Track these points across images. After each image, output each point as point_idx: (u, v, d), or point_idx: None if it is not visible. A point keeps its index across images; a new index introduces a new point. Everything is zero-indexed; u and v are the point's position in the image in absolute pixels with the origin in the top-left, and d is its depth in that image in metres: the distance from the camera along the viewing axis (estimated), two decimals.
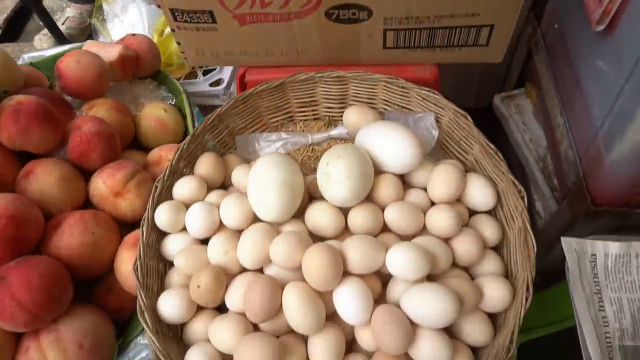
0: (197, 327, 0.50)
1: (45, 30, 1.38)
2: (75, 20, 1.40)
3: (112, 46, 0.80)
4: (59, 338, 0.55)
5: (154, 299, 0.51)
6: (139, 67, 0.84)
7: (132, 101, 0.81)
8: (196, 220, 0.53)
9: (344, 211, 0.52)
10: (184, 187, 0.57)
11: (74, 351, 0.55)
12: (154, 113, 0.78)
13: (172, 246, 0.55)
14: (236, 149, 0.66)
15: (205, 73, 1.00)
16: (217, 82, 0.98)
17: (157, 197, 0.55)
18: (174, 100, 0.85)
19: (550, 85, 0.70)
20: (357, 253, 0.46)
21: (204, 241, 0.55)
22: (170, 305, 0.49)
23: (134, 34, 0.88)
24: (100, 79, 0.73)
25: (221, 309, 0.52)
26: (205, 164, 0.59)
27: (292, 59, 0.66)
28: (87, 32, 1.45)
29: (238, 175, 0.59)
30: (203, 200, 0.57)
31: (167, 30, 1.01)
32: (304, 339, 0.47)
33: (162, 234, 0.57)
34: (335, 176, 0.49)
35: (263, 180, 0.51)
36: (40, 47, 1.37)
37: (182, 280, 0.53)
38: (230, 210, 0.53)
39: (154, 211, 0.55)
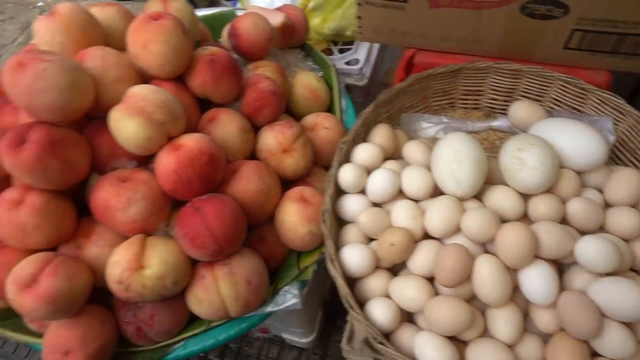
0: (376, 283, 0.53)
1: None
2: None
3: (276, 13, 0.85)
4: (232, 272, 0.59)
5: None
6: (292, 37, 0.88)
7: (285, 68, 0.85)
8: (380, 184, 0.56)
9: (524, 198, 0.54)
10: (365, 152, 0.60)
11: (242, 286, 0.59)
12: (307, 81, 0.82)
13: (350, 205, 0.58)
14: (400, 125, 0.69)
15: (341, 52, 1.03)
16: (350, 62, 1.01)
17: (343, 157, 0.59)
18: (322, 72, 0.89)
19: None
20: (549, 237, 0.48)
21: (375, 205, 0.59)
22: (354, 259, 0.53)
23: (283, 6, 0.92)
24: (269, 43, 0.78)
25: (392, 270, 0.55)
26: (381, 134, 0.63)
27: (466, 47, 0.68)
28: None
29: (411, 149, 0.62)
30: (380, 167, 0.60)
31: (311, 4, 1.05)
32: (482, 310, 0.50)
33: (339, 193, 0.60)
34: (531, 162, 0.52)
35: (456, 156, 0.53)
36: None
37: (360, 238, 0.56)
38: (414, 181, 0.56)
39: (337, 170, 0.58)
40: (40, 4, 1.93)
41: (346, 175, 0.58)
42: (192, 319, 0.65)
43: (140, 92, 0.56)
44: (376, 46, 1.07)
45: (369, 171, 0.59)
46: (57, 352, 0.56)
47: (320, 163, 0.75)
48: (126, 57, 0.63)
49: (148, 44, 0.60)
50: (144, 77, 0.64)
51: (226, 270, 0.59)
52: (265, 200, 0.64)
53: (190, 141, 0.58)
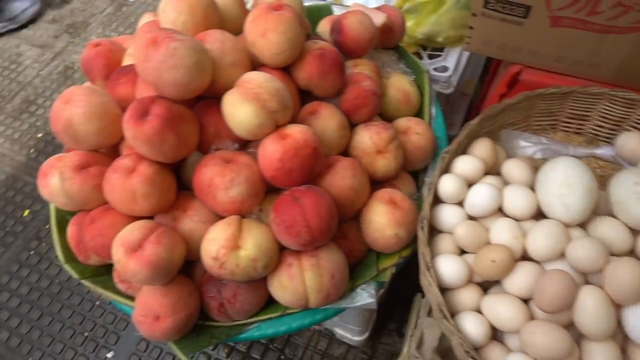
0: (468, 297, 0.53)
1: None
2: None
3: (377, 13, 0.85)
4: (319, 264, 0.60)
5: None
6: (388, 38, 0.88)
7: (380, 68, 0.86)
8: (482, 199, 0.56)
9: None
10: (467, 165, 0.60)
11: (327, 279, 0.60)
12: (400, 84, 0.81)
13: (447, 216, 0.58)
14: (499, 141, 0.68)
15: (430, 57, 1.02)
16: (438, 69, 1.00)
17: (445, 166, 0.59)
18: (413, 77, 0.88)
19: None
20: None
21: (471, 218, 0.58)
22: (449, 269, 0.53)
23: (382, 6, 0.92)
24: (371, 42, 0.78)
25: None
26: (484, 148, 0.62)
27: (578, 69, 0.67)
28: None
29: (513, 167, 0.61)
30: (480, 181, 0.60)
31: (406, 6, 1.05)
32: (576, 340, 0.49)
33: (435, 202, 0.60)
34: None
35: (566, 181, 0.52)
36: None
37: (454, 249, 0.56)
38: (517, 200, 0.55)
39: (438, 179, 0.58)
40: None
41: (447, 185, 0.57)
42: (268, 303, 0.66)
43: (256, 79, 0.58)
44: (465, 55, 1.05)
45: (469, 184, 0.58)
46: (149, 315, 0.59)
47: (407, 168, 0.75)
48: (242, 42, 0.65)
49: (267, 33, 0.61)
50: (254, 64, 0.66)
51: (313, 261, 0.60)
52: (356, 198, 0.65)
53: (297, 132, 0.59)
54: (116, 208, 0.60)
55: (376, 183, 0.71)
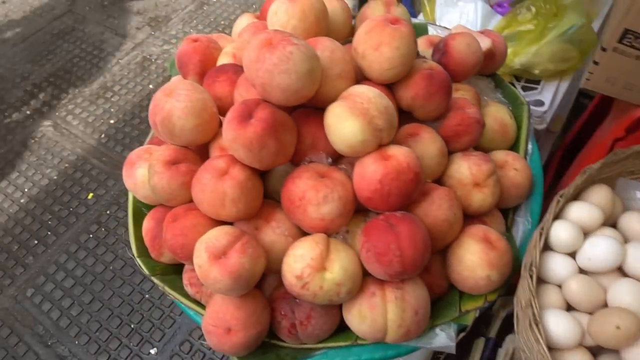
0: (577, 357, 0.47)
1: None
2: None
3: (482, 37, 0.80)
4: (403, 298, 0.56)
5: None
6: (488, 65, 0.83)
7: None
8: (602, 253, 0.50)
9: None
10: (584, 212, 0.54)
11: (409, 314, 0.56)
12: (499, 115, 0.76)
13: (556, 266, 0.53)
14: (614, 189, 0.62)
15: (524, 89, 0.97)
16: (532, 102, 0.95)
17: (558, 211, 0.53)
18: (510, 108, 0.83)
19: None
20: None
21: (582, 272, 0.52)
22: (559, 328, 0.47)
23: (483, 30, 0.87)
24: (476, 67, 0.74)
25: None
26: (602, 196, 0.56)
27: None
28: None
29: (634, 221, 0.54)
30: (597, 232, 0.54)
31: (505, 33, 1.00)
32: None
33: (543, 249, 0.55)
34: None
35: None
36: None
37: (561, 304, 0.51)
38: None
39: (550, 224, 0.53)
40: None
41: (560, 232, 0.52)
42: (338, 329, 0.63)
43: (366, 94, 0.55)
44: (562, 91, 0.99)
45: (583, 233, 0.53)
46: (221, 326, 0.56)
47: (499, 204, 0.70)
48: (349, 53, 0.62)
49: (381, 46, 0.58)
50: (358, 77, 0.63)
51: (398, 294, 0.56)
52: (449, 231, 0.60)
53: (401, 154, 0.55)
54: (202, 209, 0.58)
55: (465, 217, 0.66)
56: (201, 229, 0.58)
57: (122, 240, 1.26)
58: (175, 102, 0.58)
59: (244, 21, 0.80)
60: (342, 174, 0.59)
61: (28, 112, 1.61)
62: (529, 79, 1.00)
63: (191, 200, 0.60)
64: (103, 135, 1.52)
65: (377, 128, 0.54)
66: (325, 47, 0.58)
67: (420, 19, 1.18)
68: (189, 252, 0.57)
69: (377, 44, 0.58)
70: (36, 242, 1.29)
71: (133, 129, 1.52)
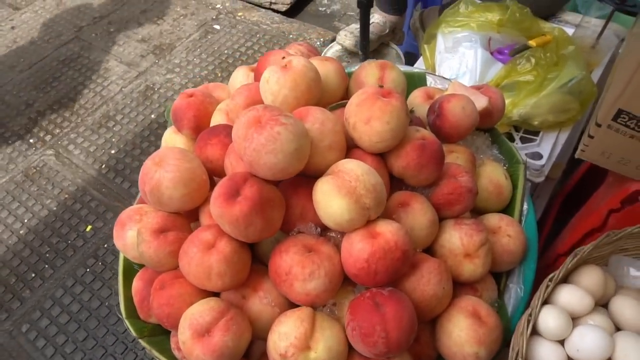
0: None
1: (354, 28, 1.46)
2: (377, 27, 1.47)
3: (478, 96, 0.80)
4: None
5: None
6: (485, 121, 0.83)
7: (474, 153, 0.80)
8: (590, 345, 0.49)
9: None
10: (572, 297, 0.53)
11: None
12: (494, 176, 0.75)
13: (544, 354, 0.52)
14: (607, 266, 0.61)
15: (522, 140, 0.96)
16: (530, 154, 0.94)
17: (546, 296, 0.52)
18: (506, 165, 0.82)
19: None
20: None
21: None
22: None
23: (481, 86, 0.87)
24: (471, 129, 0.73)
25: None
26: (591, 278, 0.55)
27: None
28: (382, 41, 1.51)
29: (624, 307, 0.53)
30: (587, 317, 0.53)
31: (504, 83, 1.00)
32: None
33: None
34: None
35: None
36: (342, 42, 1.46)
37: None
38: (634, 354, 0.48)
39: (538, 310, 0.52)
40: (218, 6, 2.08)
41: (548, 320, 0.51)
42: None
43: (354, 171, 0.54)
44: (561, 143, 0.98)
45: (573, 317, 0.52)
46: None
47: (492, 269, 0.69)
48: (340, 123, 0.62)
49: (371, 120, 0.58)
50: (349, 144, 0.63)
51: None
52: (437, 305, 0.60)
53: (389, 231, 0.55)
54: (188, 279, 0.57)
55: (456, 284, 0.65)
56: (187, 298, 0.58)
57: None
58: (164, 172, 0.58)
59: (240, 76, 0.80)
60: (330, 247, 0.58)
61: (31, 141, 1.62)
62: (528, 129, 0.99)
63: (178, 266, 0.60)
64: (104, 166, 1.53)
65: (365, 207, 0.54)
66: (316, 119, 0.58)
67: (420, 64, 1.18)
68: (175, 322, 0.57)
69: (367, 118, 0.58)
70: (33, 275, 1.30)
71: (133, 159, 1.53)
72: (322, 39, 1.84)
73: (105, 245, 1.33)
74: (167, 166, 0.58)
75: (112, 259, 1.30)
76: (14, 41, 2.00)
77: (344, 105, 0.67)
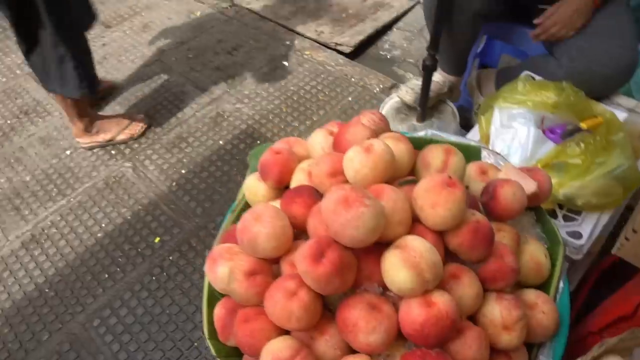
0: None
1: (414, 84, 1.58)
2: (437, 86, 1.58)
3: (528, 180, 0.90)
4: None
5: None
6: (532, 201, 0.92)
7: (519, 231, 0.90)
8: None
9: None
10: None
11: None
12: (536, 254, 0.85)
13: None
14: (630, 356, 0.69)
15: (565, 218, 1.05)
16: (571, 233, 1.02)
17: None
18: (547, 244, 0.91)
19: None
20: None
21: None
22: None
23: (532, 168, 0.96)
24: (519, 212, 0.83)
25: None
26: None
27: None
28: (440, 98, 1.62)
29: None
30: None
31: (554, 162, 1.09)
32: None
33: None
34: None
35: None
36: (403, 97, 1.58)
37: None
38: None
39: None
40: (287, 42, 2.25)
41: None
42: None
43: (419, 248, 0.66)
44: (601, 224, 1.06)
45: None
46: None
47: (525, 340, 0.78)
48: (408, 201, 0.73)
49: (436, 206, 0.69)
50: (414, 218, 0.74)
51: None
52: None
53: (442, 302, 0.65)
54: (271, 319, 0.70)
55: (493, 350, 0.75)
56: (267, 333, 0.70)
57: (180, 288, 1.41)
58: (262, 228, 0.71)
59: (319, 138, 0.93)
60: (390, 306, 0.69)
61: (112, 152, 1.81)
62: (571, 208, 1.07)
63: (262, 303, 0.72)
64: (174, 184, 1.69)
65: (425, 280, 0.65)
66: (390, 198, 0.70)
67: (475, 131, 1.28)
68: (256, 351, 0.69)
69: (434, 203, 0.69)
70: (106, 275, 1.46)
71: (201, 181, 1.69)
72: (381, 86, 1.97)
73: (171, 258, 1.49)
74: (264, 222, 0.71)
75: (175, 272, 1.45)
76: (104, 57, 2.22)
77: (411, 183, 0.79)
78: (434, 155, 0.82)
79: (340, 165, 0.79)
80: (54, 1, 1.42)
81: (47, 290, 1.45)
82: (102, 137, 1.80)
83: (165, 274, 1.45)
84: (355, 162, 0.74)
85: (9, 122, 2.01)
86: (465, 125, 1.74)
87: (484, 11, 1.33)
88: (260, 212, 0.73)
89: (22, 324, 1.39)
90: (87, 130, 1.78)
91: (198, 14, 2.48)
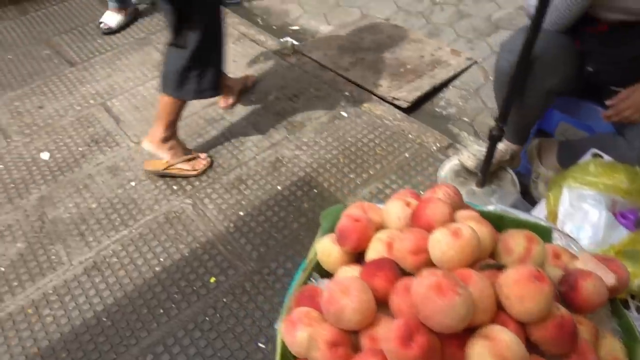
0: None
1: (476, 150, 1.60)
2: (499, 153, 1.60)
3: (607, 273, 0.89)
4: None
5: None
6: (610, 294, 0.92)
7: (596, 324, 0.89)
8: None
9: None
10: None
11: None
12: (614, 352, 0.83)
13: None
14: None
15: (638, 310, 1.03)
16: None
17: None
18: (622, 338, 0.90)
19: None
20: None
21: None
22: None
23: (608, 258, 0.95)
24: (600, 306, 0.83)
25: None
26: None
27: None
28: (501, 165, 1.63)
29: None
30: None
31: (624, 250, 1.08)
32: None
33: None
34: None
35: None
36: (465, 162, 1.61)
37: None
38: None
39: None
40: (346, 93, 2.32)
41: None
42: None
43: (506, 340, 0.67)
44: None
45: None
46: None
47: None
48: (493, 288, 0.74)
49: (524, 299, 0.70)
50: (498, 304, 0.75)
51: None
52: None
53: None
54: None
55: None
56: None
57: (232, 332, 1.43)
58: (349, 302, 0.73)
59: (396, 208, 0.95)
60: None
61: (174, 187, 1.89)
62: None
63: None
64: (232, 225, 1.74)
65: None
66: (476, 285, 0.72)
67: (541, 208, 1.28)
68: None
69: (521, 296, 0.70)
70: (161, 311, 1.50)
71: (257, 225, 1.74)
72: (438, 145, 2.00)
73: (225, 300, 1.52)
74: (352, 296, 0.74)
75: (228, 314, 1.48)
76: None
77: (493, 267, 0.80)
78: (516, 242, 0.84)
79: (423, 243, 0.81)
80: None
81: (104, 319, 1.50)
82: (167, 155, 1.85)
83: (218, 315, 1.48)
84: (443, 244, 0.76)
85: (80, 149, 2.13)
86: (523, 192, 1.74)
87: (556, 89, 1.35)
88: (347, 285, 0.76)
89: (79, 350, 1.43)
90: (164, 140, 1.84)
91: (262, 58, 2.60)
